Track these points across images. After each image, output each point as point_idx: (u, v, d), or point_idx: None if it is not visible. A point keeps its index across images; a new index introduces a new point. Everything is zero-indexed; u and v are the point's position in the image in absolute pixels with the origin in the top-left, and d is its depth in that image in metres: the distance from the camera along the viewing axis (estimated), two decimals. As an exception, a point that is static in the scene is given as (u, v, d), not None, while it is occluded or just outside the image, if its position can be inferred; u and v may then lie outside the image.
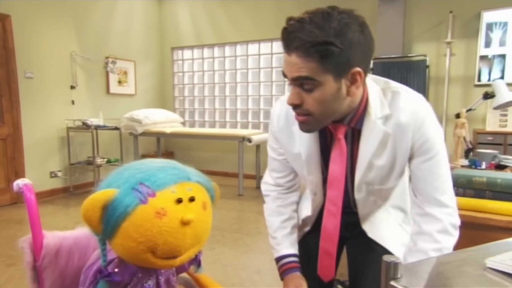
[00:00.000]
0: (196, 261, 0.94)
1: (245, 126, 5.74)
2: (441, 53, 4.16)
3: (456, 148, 1.94)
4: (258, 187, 5.07)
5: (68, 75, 4.65)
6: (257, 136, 4.75)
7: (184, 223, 0.75)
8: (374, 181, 0.92)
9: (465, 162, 1.97)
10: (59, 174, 4.58)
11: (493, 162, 1.77)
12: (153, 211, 0.73)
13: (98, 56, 4.94)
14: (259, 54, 5.51)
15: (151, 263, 0.78)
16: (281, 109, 1.00)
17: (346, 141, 0.92)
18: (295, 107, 0.82)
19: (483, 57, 3.90)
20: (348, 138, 0.92)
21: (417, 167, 0.88)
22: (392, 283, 0.53)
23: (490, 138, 3.47)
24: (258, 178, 5.13)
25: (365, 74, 0.81)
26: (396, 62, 4.25)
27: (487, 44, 3.85)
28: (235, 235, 3.26)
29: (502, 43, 3.78)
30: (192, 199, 0.78)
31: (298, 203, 1.16)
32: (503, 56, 3.79)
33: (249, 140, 4.55)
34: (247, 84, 5.67)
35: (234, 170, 5.43)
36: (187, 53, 6.12)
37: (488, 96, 1.93)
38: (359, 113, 0.87)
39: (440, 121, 4.16)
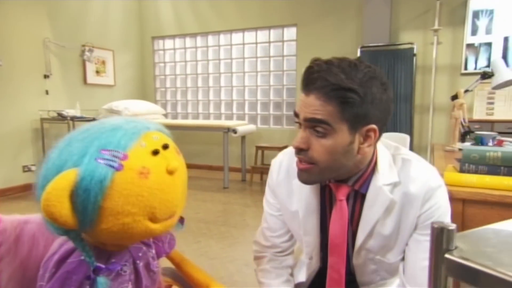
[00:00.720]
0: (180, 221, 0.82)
1: (229, 117, 5.60)
2: (428, 41, 4.13)
3: (454, 131, 1.86)
4: (243, 180, 4.97)
5: (41, 63, 4.38)
6: (242, 127, 4.62)
7: (171, 173, 0.66)
8: (374, 249, 0.85)
9: (462, 146, 1.89)
10: (33, 168, 4.32)
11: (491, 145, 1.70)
12: (136, 173, 0.61)
13: (74, 44, 4.68)
14: (244, 44, 5.37)
15: (151, 232, 0.67)
16: (282, 161, 0.95)
17: (347, 203, 0.84)
18: (300, 151, 0.76)
19: (469, 45, 3.89)
20: (350, 201, 0.85)
21: (415, 239, 0.81)
22: (448, 256, 0.41)
23: (477, 126, 3.45)
24: (243, 171, 5.01)
25: (380, 135, 0.77)
26: (383, 51, 4.20)
27: (474, 32, 3.83)
28: (222, 228, 3.13)
29: (488, 31, 3.77)
30: (166, 147, 0.68)
31: (292, 268, 1.04)
32: (489, 44, 3.78)
33: (234, 131, 4.42)
34: (231, 74, 5.53)
35: (219, 164, 5.29)
36: (168, 43, 5.92)
37: (486, 75, 1.87)
38: (366, 176, 0.81)
39: (427, 111, 4.16)
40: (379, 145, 0.83)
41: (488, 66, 3.76)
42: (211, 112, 5.75)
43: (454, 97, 1.93)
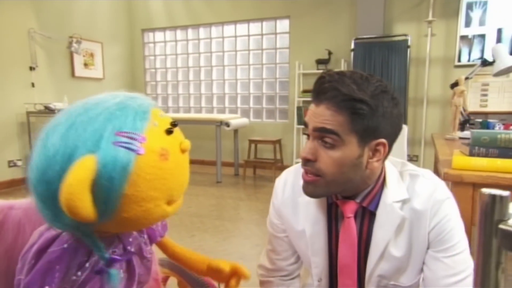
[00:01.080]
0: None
1: (221, 111, 5.52)
2: (422, 33, 4.11)
3: (454, 119, 1.83)
4: (236, 174, 4.91)
5: (26, 55, 4.23)
6: (235, 120, 4.55)
7: (184, 151, 0.64)
8: (387, 274, 0.80)
9: (462, 134, 1.86)
10: (19, 163, 4.18)
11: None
12: (157, 156, 0.57)
13: (61, 35, 4.54)
14: (236, 36, 5.29)
15: (166, 215, 0.64)
16: (287, 179, 0.93)
17: (355, 221, 0.81)
18: (307, 162, 0.75)
19: (463, 37, 3.88)
20: (358, 219, 0.81)
21: (431, 256, 0.77)
22: (503, 226, 0.36)
23: (471, 118, 3.43)
24: (236, 165, 4.95)
25: (389, 150, 0.75)
26: (377, 42, 4.17)
27: (467, 23, 3.82)
28: (216, 222, 3.07)
29: (482, 23, 3.76)
30: (175, 124, 0.64)
31: None
32: (482, 36, 3.78)
33: (227, 124, 4.35)
34: (223, 67, 5.44)
35: (211, 158, 5.22)
36: (158, 35, 5.80)
37: (486, 62, 1.83)
38: (374, 193, 0.79)
39: (421, 103, 4.15)
40: (386, 162, 0.81)
41: (481, 58, 3.76)
42: (203, 106, 5.66)
43: (454, 84, 1.90)
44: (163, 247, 0.90)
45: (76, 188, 0.50)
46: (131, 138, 0.55)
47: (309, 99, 4.65)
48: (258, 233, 2.80)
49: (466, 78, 1.88)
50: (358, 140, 0.71)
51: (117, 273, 0.62)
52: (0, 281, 0.70)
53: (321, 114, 0.71)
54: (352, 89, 0.68)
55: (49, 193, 0.53)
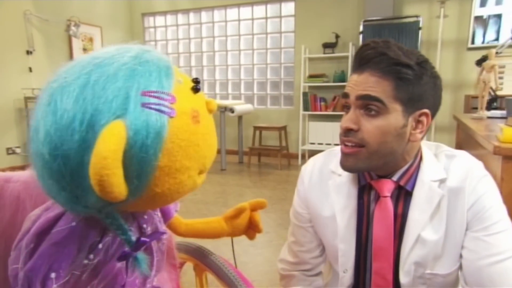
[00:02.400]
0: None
1: (225, 98, 5.39)
2: (433, 14, 3.96)
3: (482, 97, 1.71)
4: (240, 162, 4.81)
5: (22, 38, 4.08)
6: (239, 106, 4.43)
7: (211, 111, 0.57)
8: (423, 261, 0.76)
9: (491, 114, 1.75)
10: (18, 150, 4.07)
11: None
12: (189, 118, 0.50)
13: (58, 18, 4.37)
14: (239, 20, 5.13)
15: (195, 188, 0.56)
16: (315, 164, 0.90)
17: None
18: (348, 133, 0.72)
19: (477, 18, 3.74)
20: (392, 200, 0.78)
21: (471, 237, 0.73)
22: None
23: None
24: (240, 153, 4.84)
25: (430, 123, 0.75)
26: (387, 24, 4.02)
27: (483, 3, 3.67)
28: (222, 209, 2.96)
29: (498, 1, 3.61)
30: (197, 81, 0.55)
31: None
32: (498, 16, 3.63)
33: (232, 110, 4.23)
34: (226, 53, 5.29)
35: (214, 145, 5.11)
36: (159, 20, 5.64)
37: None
38: (412, 171, 0.77)
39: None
40: (422, 143, 0.80)
41: (497, 39, 3.63)
42: (206, 92, 5.53)
43: (481, 60, 1.78)
44: (174, 226, 0.81)
45: (111, 161, 0.41)
46: (160, 98, 0.46)
47: (315, 84, 4.57)
48: (267, 220, 2.71)
49: (497, 53, 1.75)
50: (402, 108, 0.69)
51: (145, 257, 0.53)
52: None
53: (364, 82, 0.69)
54: (399, 54, 0.68)
55: (67, 170, 0.43)
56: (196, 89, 0.53)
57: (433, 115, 0.73)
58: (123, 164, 0.42)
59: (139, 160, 0.44)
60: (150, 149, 0.44)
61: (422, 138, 0.75)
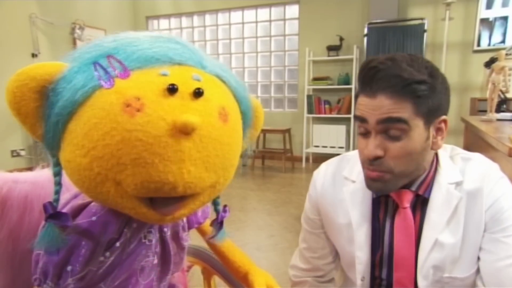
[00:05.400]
0: (217, 221, 0.63)
1: (228, 101, 5.38)
2: (439, 17, 3.94)
3: (491, 99, 1.69)
4: (244, 165, 4.80)
5: (28, 41, 4.10)
6: (243, 109, 4.41)
7: (181, 131, 0.42)
8: (442, 265, 0.75)
9: (500, 116, 1.72)
10: (23, 153, 4.07)
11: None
12: (120, 102, 0.42)
13: (63, 21, 4.40)
14: (243, 23, 5.13)
15: (118, 204, 0.45)
16: (327, 169, 0.88)
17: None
18: (374, 161, 0.69)
19: (483, 20, 3.71)
20: (411, 209, 0.77)
21: (489, 239, 0.72)
22: None
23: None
24: (244, 156, 4.82)
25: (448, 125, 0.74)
26: (392, 27, 4.01)
27: (489, 5, 3.65)
28: (227, 212, 2.96)
29: (505, 3, 3.58)
30: (198, 93, 0.45)
31: None
32: (505, 18, 3.61)
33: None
34: (230, 55, 5.30)
35: (218, 148, 5.10)
36: (163, 23, 5.65)
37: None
38: (430, 179, 0.76)
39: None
40: None
41: (503, 41, 3.60)
42: (209, 95, 5.53)
43: (490, 62, 1.76)
44: (203, 233, 0.79)
45: (17, 83, 0.44)
46: (112, 66, 0.45)
47: (320, 87, 4.55)
48: (272, 223, 2.69)
49: (507, 54, 1.73)
50: (424, 122, 0.68)
51: (53, 229, 0.46)
52: (6, 264, 0.58)
53: (381, 105, 0.66)
54: (411, 72, 0.65)
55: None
56: (169, 90, 0.43)
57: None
58: (39, 101, 0.44)
59: (49, 104, 0.44)
60: (60, 99, 0.43)
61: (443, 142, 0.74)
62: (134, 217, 0.49)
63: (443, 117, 0.71)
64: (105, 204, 0.48)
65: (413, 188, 0.75)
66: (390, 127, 0.67)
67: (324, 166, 0.90)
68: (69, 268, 0.48)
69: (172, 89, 0.43)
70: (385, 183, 0.71)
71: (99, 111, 0.42)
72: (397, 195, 0.76)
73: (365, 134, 0.70)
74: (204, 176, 0.45)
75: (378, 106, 0.67)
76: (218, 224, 0.63)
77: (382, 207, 0.80)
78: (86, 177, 0.43)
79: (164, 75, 0.44)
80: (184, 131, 0.42)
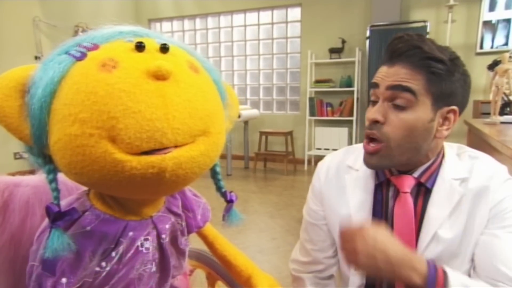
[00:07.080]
0: (227, 209, 0.67)
1: (230, 103, 5.38)
2: (441, 19, 3.94)
3: (495, 102, 1.68)
4: (246, 167, 4.79)
5: (31, 44, 4.11)
6: (246, 111, 4.42)
7: (157, 75, 0.45)
8: (440, 260, 0.74)
9: (504, 119, 1.71)
10: (25, 155, 4.05)
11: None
12: (96, 63, 0.46)
13: (66, 24, 4.42)
14: (245, 25, 5.14)
15: (110, 162, 0.44)
16: (332, 160, 0.90)
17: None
18: (373, 125, 0.71)
19: (486, 23, 3.70)
20: (412, 197, 0.77)
21: (488, 234, 0.72)
22: None
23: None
24: (246, 158, 4.82)
25: (457, 119, 0.74)
26: (394, 29, 4.00)
27: (492, 7, 3.64)
28: (229, 215, 2.95)
29: (508, 6, 3.57)
30: (165, 48, 0.49)
31: None
32: (508, 21, 3.59)
33: (238, 115, 4.21)
34: (232, 58, 5.30)
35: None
36: (166, 26, 5.67)
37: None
38: (433, 169, 0.76)
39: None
40: (444, 143, 0.80)
41: (506, 44, 3.59)
42: (211, 97, 5.53)
43: (493, 65, 1.75)
44: (203, 237, 0.78)
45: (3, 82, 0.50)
46: (82, 46, 0.51)
47: (322, 89, 4.55)
48: (274, 226, 2.68)
49: (510, 57, 1.73)
50: (432, 102, 0.68)
51: (59, 235, 0.46)
52: (7, 269, 0.57)
53: (395, 73, 0.68)
54: (432, 48, 0.67)
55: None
56: (138, 47, 0.48)
57: (460, 113, 0.73)
58: (22, 102, 0.47)
59: (32, 95, 0.46)
60: (39, 88, 0.45)
61: (447, 136, 0.74)
62: (134, 195, 0.50)
63: (454, 107, 0.71)
64: (103, 182, 0.46)
65: (415, 174, 0.75)
66: (397, 95, 0.68)
67: (329, 157, 0.91)
68: (63, 280, 0.47)
69: (140, 46, 0.48)
70: (381, 157, 0.71)
71: (78, 77, 0.45)
72: (398, 180, 0.76)
73: (374, 103, 0.72)
74: (190, 122, 0.47)
75: (392, 73, 0.69)
76: (227, 204, 0.67)
77: (384, 194, 0.80)
78: (79, 146, 0.44)
79: (130, 41, 0.49)
80: (159, 74, 0.45)
